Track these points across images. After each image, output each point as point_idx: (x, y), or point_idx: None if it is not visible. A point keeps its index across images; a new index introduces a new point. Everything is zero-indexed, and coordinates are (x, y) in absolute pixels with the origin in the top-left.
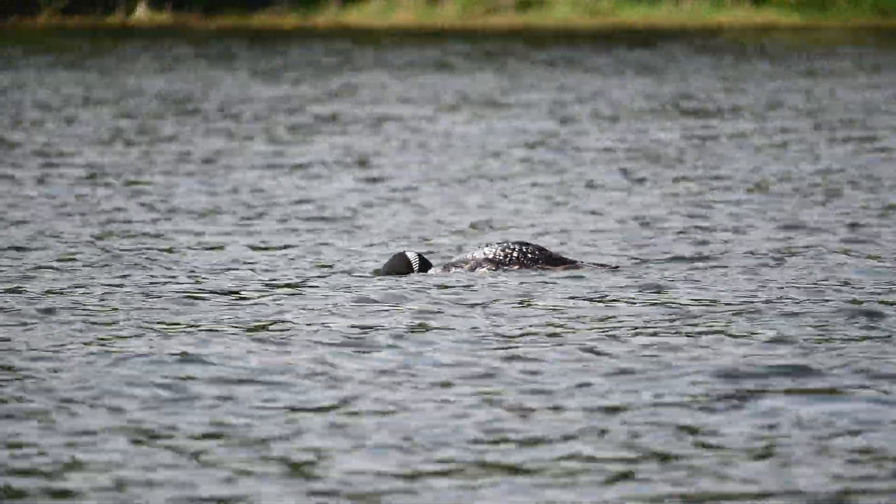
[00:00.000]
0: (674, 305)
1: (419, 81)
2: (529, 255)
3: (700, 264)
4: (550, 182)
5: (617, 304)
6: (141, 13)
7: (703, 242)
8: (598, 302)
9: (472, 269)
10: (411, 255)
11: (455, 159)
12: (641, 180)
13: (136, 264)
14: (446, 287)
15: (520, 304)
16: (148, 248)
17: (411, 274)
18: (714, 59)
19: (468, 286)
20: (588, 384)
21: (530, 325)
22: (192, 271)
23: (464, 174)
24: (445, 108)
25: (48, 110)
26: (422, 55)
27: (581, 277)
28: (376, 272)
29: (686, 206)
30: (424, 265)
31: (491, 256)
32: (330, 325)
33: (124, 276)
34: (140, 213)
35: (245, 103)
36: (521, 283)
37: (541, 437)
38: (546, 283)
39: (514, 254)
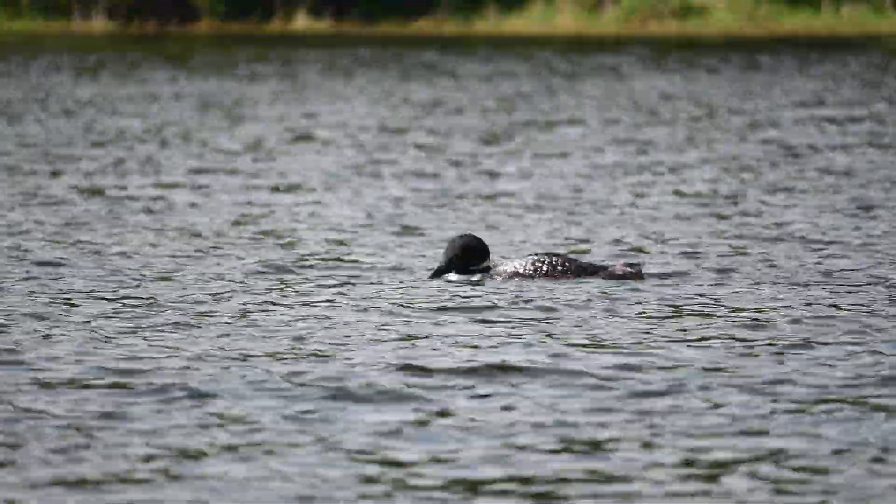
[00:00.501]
0: (699, 313)
1: (584, 88)
2: (559, 267)
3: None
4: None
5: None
6: (301, 20)
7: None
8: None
9: (518, 279)
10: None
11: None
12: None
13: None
14: (476, 295)
15: (542, 311)
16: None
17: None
18: (863, 69)
19: (495, 294)
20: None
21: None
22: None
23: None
24: (601, 116)
25: (207, 113)
26: (586, 61)
27: (609, 286)
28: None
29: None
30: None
31: (521, 270)
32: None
33: (176, 272)
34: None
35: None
36: (546, 292)
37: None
38: (573, 291)
39: (544, 266)
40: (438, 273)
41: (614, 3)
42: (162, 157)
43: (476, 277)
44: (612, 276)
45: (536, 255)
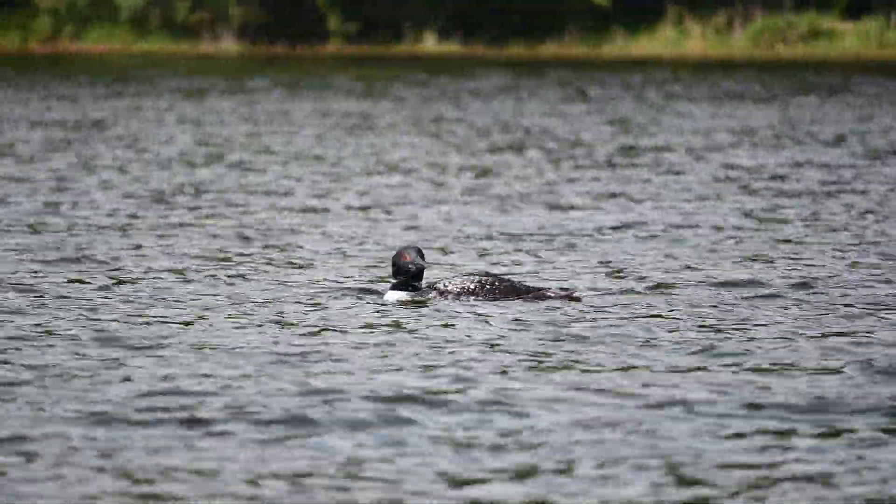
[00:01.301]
0: (636, 333)
1: (722, 112)
2: (491, 287)
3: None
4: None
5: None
6: (430, 42)
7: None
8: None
9: (443, 298)
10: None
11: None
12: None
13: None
14: (410, 316)
15: (470, 330)
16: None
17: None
18: None
19: (431, 314)
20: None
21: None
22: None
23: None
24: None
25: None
26: (716, 84)
27: (540, 306)
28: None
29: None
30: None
31: (455, 289)
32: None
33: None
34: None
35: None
36: (478, 312)
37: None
38: (502, 311)
39: (476, 286)
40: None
41: (744, 27)
42: (287, 178)
43: (408, 297)
44: (544, 297)
45: (471, 275)
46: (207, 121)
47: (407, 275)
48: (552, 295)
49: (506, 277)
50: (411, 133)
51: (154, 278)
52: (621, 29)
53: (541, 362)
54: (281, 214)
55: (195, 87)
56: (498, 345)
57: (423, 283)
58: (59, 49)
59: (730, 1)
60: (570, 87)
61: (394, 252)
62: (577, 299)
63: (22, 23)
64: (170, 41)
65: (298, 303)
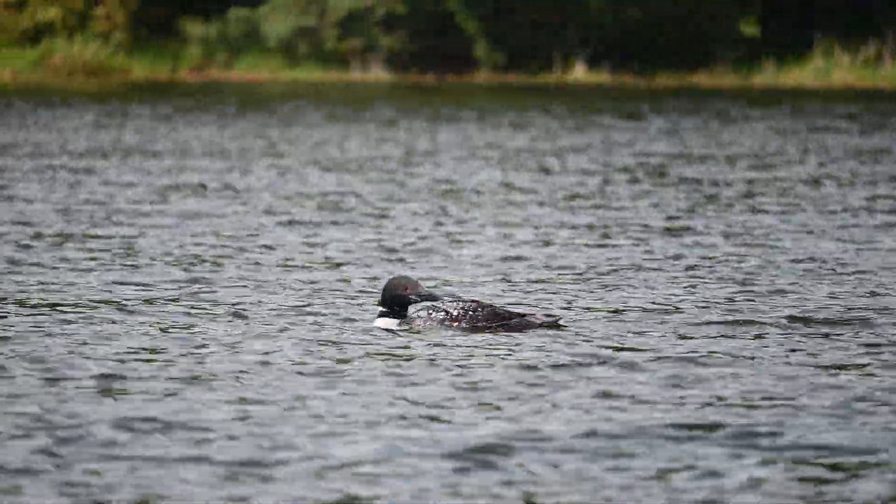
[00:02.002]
0: (618, 360)
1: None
2: (474, 313)
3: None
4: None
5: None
6: (578, 71)
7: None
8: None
9: (435, 324)
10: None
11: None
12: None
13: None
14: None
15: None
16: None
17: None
18: None
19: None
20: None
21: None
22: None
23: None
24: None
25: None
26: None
27: (526, 334)
28: None
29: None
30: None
31: (438, 316)
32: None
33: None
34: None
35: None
36: (471, 340)
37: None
38: (493, 341)
39: (459, 312)
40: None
41: (893, 58)
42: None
43: (395, 325)
44: (529, 324)
45: (454, 300)
46: (351, 147)
47: (403, 305)
48: (536, 321)
49: (488, 304)
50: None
51: (272, 310)
52: (771, 59)
53: (517, 394)
54: (428, 238)
55: (343, 114)
56: (479, 376)
57: (411, 309)
58: (209, 77)
59: (880, 32)
60: (713, 115)
61: (389, 279)
62: (559, 326)
63: (173, 52)
64: (319, 70)
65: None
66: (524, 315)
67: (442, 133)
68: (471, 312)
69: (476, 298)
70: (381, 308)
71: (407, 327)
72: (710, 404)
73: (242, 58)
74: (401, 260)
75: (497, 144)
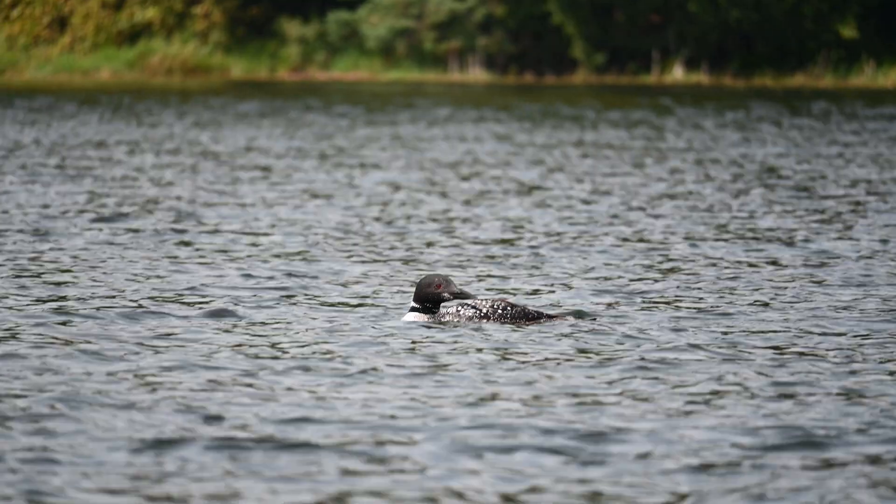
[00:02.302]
0: (652, 356)
1: None
2: (502, 312)
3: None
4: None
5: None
6: (677, 73)
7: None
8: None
9: (463, 320)
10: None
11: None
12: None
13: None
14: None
15: (498, 357)
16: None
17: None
18: None
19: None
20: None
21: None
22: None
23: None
24: None
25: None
26: None
27: (555, 331)
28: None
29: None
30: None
31: (467, 314)
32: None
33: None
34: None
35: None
36: (504, 337)
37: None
38: (524, 336)
39: (488, 311)
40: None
41: None
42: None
43: (425, 319)
44: (556, 323)
45: (484, 299)
46: (445, 145)
47: (436, 303)
48: (564, 321)
49: (520, 304)
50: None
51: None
52: (870, 59)
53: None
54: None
55: (444, 115)
56: (502, 370)
57: (442, 307)
58: (308, 77)
59: None
60: (821, 115)
61: (424, 276)
62: (588, 321)
63: (270, 51)
64: (418, 70)
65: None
66: (554, 316)
67: (540, 132)
68: (500, 311)
69: (507, 298)
70: (412, 304)
71: (436, 322)
72: (748, 402)
73: (340, 58)
74: (491, 258)
75: (601, 143)
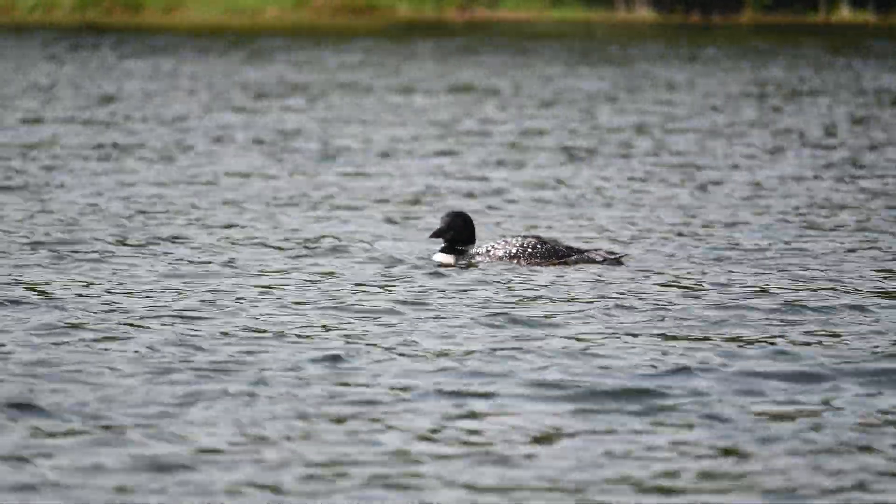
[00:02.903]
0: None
1: None
2: (534, 250)
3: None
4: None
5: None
6: (844, 11)
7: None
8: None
9: (493, 260)
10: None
11: None
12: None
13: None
14: (473, 278)
15: (532, 296)
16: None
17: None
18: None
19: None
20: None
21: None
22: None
23: None
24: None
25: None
26: None
27: (587, 270)
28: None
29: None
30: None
31: (499, 252)
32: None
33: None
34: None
35: None
36: (536, 274)
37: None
38: (559, 275)
39: (519, 249)
40: (438, 234)
41: None
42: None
43: (452, 260)
44: (591, 260)
45: (514, 237)
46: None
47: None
48: (597, 258)
49: (549, 240)
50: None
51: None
52: None
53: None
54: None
55: (616, 54)
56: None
57: (474, 246)
58: (475, 17)
59: None
60: None
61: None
62: (620, 262)
63: None
64: (583, 9)
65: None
66: (584, 251)
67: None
68: (529, 249)
69: (538, 235)
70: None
71: (465, 263)
72: (762, 344)
73: None
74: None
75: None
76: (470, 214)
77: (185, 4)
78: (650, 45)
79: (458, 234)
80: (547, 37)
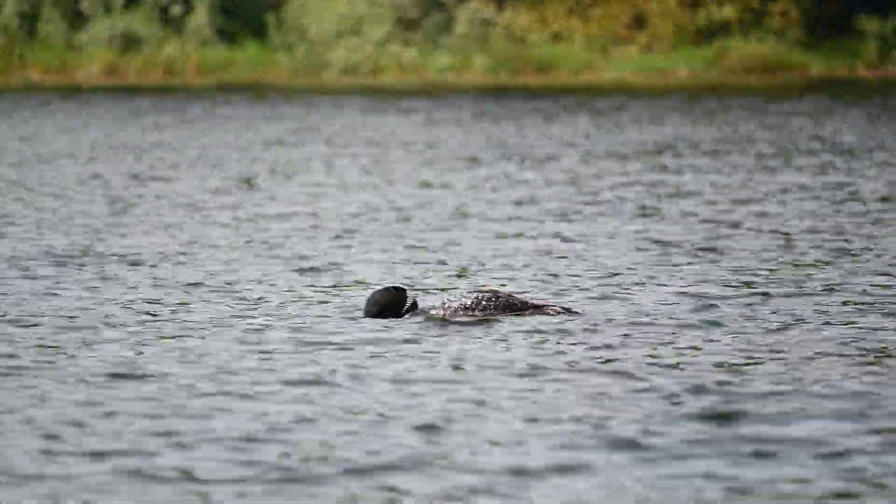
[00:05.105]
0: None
1: None
2: (487, 303)
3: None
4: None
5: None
6: None
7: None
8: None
9: (448, 316)
10: (406, 294)
11: None
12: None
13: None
14: (426, 333)
15: (488, 346)
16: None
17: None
18: None
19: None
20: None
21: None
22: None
23: None
24: None
25: None
26: None
27: (544, 323)
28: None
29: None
30: (412, 305)
31: (466, 304)
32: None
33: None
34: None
35: None
36: (490, 327)
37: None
38: (512, 328)
39: (472, 303)
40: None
41: None
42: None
43: (407, 316)
44: (543, 314)
45: (469, 292)
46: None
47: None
48: (551, 312)
49: (506, 294)
50: None
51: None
52: None
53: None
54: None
55: None
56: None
57: (429, 300)
58: (887, 74)
59: None
60: None
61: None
62: (576, 312)
63: (849, 48)
64: None
65: None
66: (541, 306)
67: None
68: (484, 302)
69: (494, 288)
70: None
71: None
72: (726, 403)
73: None
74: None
75: None
76: None
77: (593, 65)
78: None
79: (388, 310)
80: None
